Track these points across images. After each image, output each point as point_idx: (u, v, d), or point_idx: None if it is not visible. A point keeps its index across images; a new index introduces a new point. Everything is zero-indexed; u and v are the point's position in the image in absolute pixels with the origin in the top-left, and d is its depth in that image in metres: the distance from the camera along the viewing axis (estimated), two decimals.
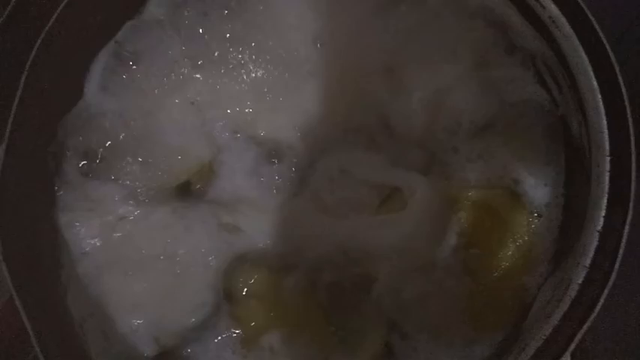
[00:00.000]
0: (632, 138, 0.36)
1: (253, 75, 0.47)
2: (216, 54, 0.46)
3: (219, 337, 0.43)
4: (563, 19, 0.39)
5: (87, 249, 0.42)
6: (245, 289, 0.44)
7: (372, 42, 0.47)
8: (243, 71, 0.47)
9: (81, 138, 0.43)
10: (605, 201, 0.36)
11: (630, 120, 0.36)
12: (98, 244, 0.42)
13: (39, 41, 0.41)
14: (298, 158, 0.46)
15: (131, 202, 0.44)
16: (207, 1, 0.46)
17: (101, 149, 0.44)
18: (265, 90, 0.47)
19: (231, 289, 0.44)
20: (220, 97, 0.46)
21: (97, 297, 0.42)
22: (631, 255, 0.35)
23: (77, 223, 0.42)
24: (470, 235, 0.44)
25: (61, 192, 0.43)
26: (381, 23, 0.47)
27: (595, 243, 0.35)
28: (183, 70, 0.46)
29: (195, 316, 0.42)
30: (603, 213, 0.35)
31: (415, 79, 0.46)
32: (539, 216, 0.43)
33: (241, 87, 0.47)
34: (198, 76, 0.46)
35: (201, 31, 0.46)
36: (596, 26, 0.38)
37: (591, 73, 0.38)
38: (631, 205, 0.35)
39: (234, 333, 0.43)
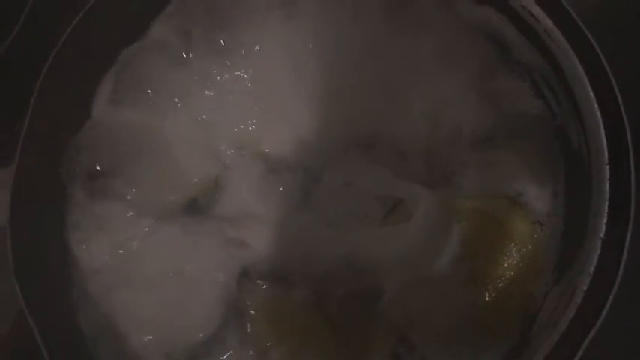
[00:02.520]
0: (630, 145, 0.37)
1: (257, 93, 0.48)
2: (220, 73, 0.47)
3: (229, 352, 0.43)
4: (557, 32, 0.40)
5: (97, 267, 0.43)
6: (253, 304, 0.44)
7: (372, 57, 0.48)
8: (247, 89, 0.48)
9: (89, 157, 0.44)
10: (606, 208, 0.36)
11: (628, 128, 0.37)
12: (108, 262, 0.43)
13: (47, 64, 0.42)
14: (303, 173, 0.47)
15: (139, 219, 0.44)
16: (211, 23, 0.47)
17: (109, 168, 0.45)
18: (269, 107, 0.48)
19: (239, 304, 0.44)
20: (225, 115, 0.47)
21: (108, 314, 0.42)
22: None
23: (87, 242, 0.43)
24: (474, 245, 0.44)
25: (71, 211, 0.44)
26: (381, 38, 0.48)
27: (598, 250, 0.36)
28: (188, 89, 0.47)
29: (204, 331, 0.43)
30: (605, 220, 0.36)
31: (415, 92, 0.47)
32: (542, 225, 0.44)
33: (246, 105, 0.48)
34: (203, 94, 0.47)
35: (205, 51, 0.47)
36: (590, 37, 0.39)
37: (587, 84, 0.39)
38: (632, 211, 0.36)
39: (244, 347, 0.43)
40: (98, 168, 0.44)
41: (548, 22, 0.41)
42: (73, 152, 0.44)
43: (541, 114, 0.46)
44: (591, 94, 0.39)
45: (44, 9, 0.51)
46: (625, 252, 0.35)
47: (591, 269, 0.35)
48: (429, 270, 0.44)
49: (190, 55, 0.47)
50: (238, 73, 0.48)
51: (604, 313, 0.34)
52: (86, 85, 0.46)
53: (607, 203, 0.36)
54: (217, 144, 0.47)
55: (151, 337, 0.42)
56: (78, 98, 0.45)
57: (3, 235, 0.38)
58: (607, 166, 0.37)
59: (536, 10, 0.41)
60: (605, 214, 0.36)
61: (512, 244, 0.44)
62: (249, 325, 0.44)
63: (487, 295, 0.43)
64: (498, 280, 0.43)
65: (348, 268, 0.44)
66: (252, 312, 0.44)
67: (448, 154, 0.47)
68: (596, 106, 0.39)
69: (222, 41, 0.48)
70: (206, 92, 0.47)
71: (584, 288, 0.35)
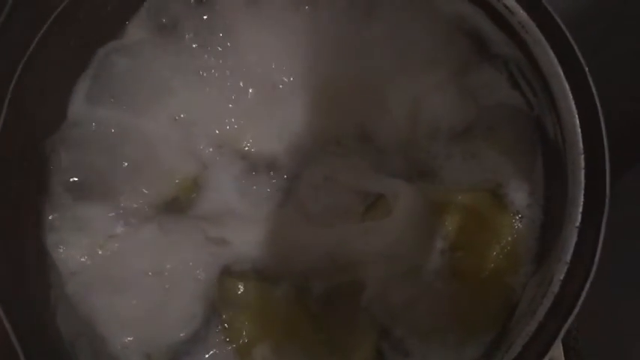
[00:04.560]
0: (605, 135, 0.37)
1: (236, 91, 0.48)
2: (198, 71, 0.47)
3: (211, 351, 0.43)
4: (532, 24, 0.41)
5: (75, 269, 0.43)
6: (234, 302, 0.44)
7: (349, 53, 0.48)
8: (225, 88, 0.48)
9: (66, 158, 0.44)
10: (582, 197, 0.37)
11: (602, 118, 0.38)
12: (87, 263, 0.43)
13: (21, 64, 0.41)
14: (283, 169, 0.47)
15: (118, 220, 0.44)
16: (188, 21, 0.47)
17: (86, 169, 0.44)
18: (248, 105, 0.48)
19: (220, 302, 0.44)
20: (203, 113, 0.47)
21: (86, 316, 0.42)
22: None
23: (65, 244, 0.43)
24: (455, 238, 0.44)
25: (48, 212, 0.43)
26: (358, 34, 0.48)
27: (574, 238, 0.36)
28: (165, 88, 0.46)
29: (185, 330, 0.42)
30: (581, 209, 0.36)
31: (393, 87, 0.48)
32: (522, 217, 0.44)
33: (224, 103, 0.47)
34: (180, 93, 0.47)
35: (182, 49, 0.47)
36: (564, 29, 0.39)
37: (562, 75, 0.39)
38: (607, 200, 0.36)
39: (226, 346, 0.43)
40: (75, 169, 0.44)
41: (523, 15, 0.41)
42: (50, 153, 0.44)
43: (518, 105, 0.46)
44: (566, 85, 0.39)
45: (22, 10, 0.51)
46: (601, 240, 0.35)
47: (568, 258, 0.36)
48: (411, 264, 0.44)
49: (167, 53, 0.47)
50: (216, 71, 0.48)
51: (581, 300, 0.34)
52: (62, 85, 0.45)
53: (582, 192, 0.36)
54: (196, 143, 0.47)
55: (131, 337, 0.42)
56: (54, 98, 0.45)
57: None
58: (582, 156, 0.37)
59: (511, 3, 0.41)
60: (581, 203, 0.36)
61: (493, 236, 0.44)
62: (231, 322, 0.43)
63: (469, 287, 0.44)
64: (480, 273, 0.44)
65: (330, 264, 0.44)
66: (234, 310, 0.44)
67: (427, 148, 0.47)
68: (571, 96, 0.39)
69: (200, 39, 0.47)
70: (184, 91, 0.47)
71: (561, 277, 0.35)
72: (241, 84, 0.48)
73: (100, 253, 0.43)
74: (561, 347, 0.56)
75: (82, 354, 0.41)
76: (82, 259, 0.43)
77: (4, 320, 0.36)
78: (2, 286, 0.37)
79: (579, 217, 0.36)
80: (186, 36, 0.47)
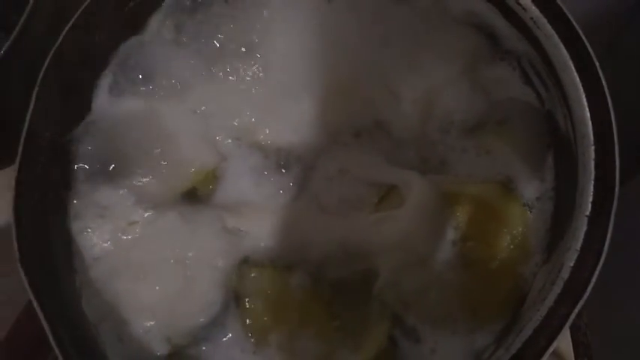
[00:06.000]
0: (614, 127, 0.38)
1: (253, 85, 0.49)
2: (217, 65, 0.48)
3: (228, 336, 0.44)
4: (544, 20, 0.41)
5: (99, 254, 0.44)
6: (251, 289, 0.45)
7: (363, 49, 0.49)
8: (243, 81, 0.49)
9: (90, 148, 0.45)
10: (591, 187, 0.37)
11: (612, 111, 0.38)
12: (110, 249, 0.44)
13: (47, 59, 0.43)
14: (298, 161, 0.48)
15: (139, 208, 0.45)
16: (208, 16, 0.49)
17: (110, 158, 0.46)
18: (265, 98, 0.49)
19: (238, 289, 0.45)
20: (222, 106, 0.48)
21: (110, 301, 0.43)
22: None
23: (89, 230, 0.44)
24: (466, 229, 0.45)
25: (73, 200, 0.45)
26: (374, 30, 0.49)
27: (584, 227, 0.37)
28: (185, 81, 0.48)
29: (204, 316, 0.44)
30: (591, 199, 0.37)
31: (407, 82, 0.49)
32: (532, 208, 0.45)
33: (242, 96, 0.49)
34: (200, 86, 0.48)
35: (201, 44, 0.48)
36: (575, 25, 0.40)
37: (573, 69, 0.40)
38: (616, 190, 0.37)
39: (243, 331, 0.44)
40: (99, 159, 0.45)
41: (535, 11, 0.42)
42: (74, 144, 0.45)
43: (530, 100, 0.47)
44: (577, 78, 0.40)
45: (44, 8, 0.52)
46: (610, 228, 0.36)
47: (578, 246, 0.36)
48: (423, 254, 0.45)
49: (187, 48, 0.48)
50: (235, 65, 0.49)
51: (590, 287, 0.35)
52: (87, 78, 0.47)
53: (592, 182, 0.37)
54: (215, 134, 0.48)
55: (152, 322, 0.43)
56: (78, 93, 0.47)
57: (9, 231, 0.39)
58: (592, 147, 0.38)
59: (523, 0, 0.42)
60: (591, 193, 0.37)
61: (504, 226, 0.45)
62: (248, 309, 0.45)
63: (479, 277, 0.45)
64: (490, 263, 0.45)
65: (344, 253, 0.45)
66: (251, 297, 0.45)
67: (440, 141, 0.48)
68: (582, 90, 0.40)
69: (220, 34, 0.49)
70: (204, 84, 0.48)
71: (571, 264, 0.36)
72: (259, 78, 0.49)
73: (122, 238, 0.44)
74: (570, 341, 0.57)
75: (107, 336, 0.42)
76: (105, 245, 0.44)
77: (34, 304, 0.37)
78: (31, 272, 0.38)
79: (589, 206, 0.37)
80: (207, 31, 0.49)
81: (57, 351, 0.36)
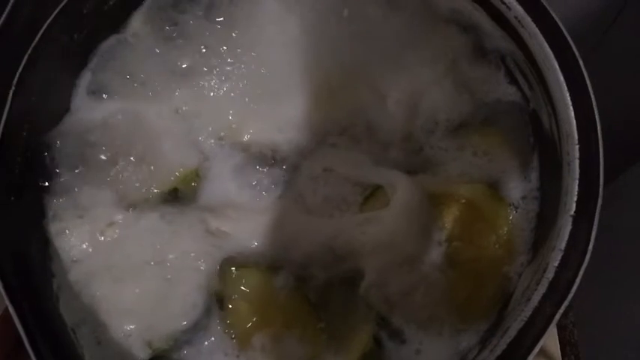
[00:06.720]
0: (599, 126, 0.38)
1: (237, 84, 0.48)
2: (199, 65, 0.48)
3: (211, 339, 0.43)
4: (528, 19, 0.41)
5: (77, 257, 0.43)
6: (235, 291, 0.44)
7: (349, 48, 0.49)
8: (226, 81, 0.48)
9: (70, 148, 0.44)
10: (576, 186, 0.37)
11: (596, 110, 0.38)
12: (89, 251, 0.43)
13: (25, 58, 0.42)
14: (282, 161, 0.48)
15: (120, 209, 0.44)
16: (190, 15, 0.48)
17: (89, 158, 0.45)
18: (248, 98, 0.48)
19: (221, 291, 0.44)
20: (205, 106, 0.48)
21: (88, 304, 0.42)
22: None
23: (67, 232, 0.43)
24: (452, 229, 0.45)
25: (51, 202, 0.44)
26: (358, 30, 0.49)
27: (569, 227, 0.37)
28: (167, 80, 0.47)
29: (186, 319, 0.43)
30: (575, 198, 0.37)
31: (392, 82, 0.48)
32: (518, 207, 0.45)
33: (225, 96, 0.48)
34: (182, 86, 0.47)
35: (183, 43, 0.48)
36: (560, 24, 0.40)
37: (557, 68, 0.40)
38: (601, 189, 0.37)
39: (226, 334, 0.44)
40: (78, 159, 0.44)
41: (519, 9, 0.42)
42: (53, 143, 0.44)
43: (515, 100, 0.47)
44: (561, 77, 0.40)
45: (25, 3, 0.51)
46: (594, 228, 0.36)
47: (562, 245, 0.36)
48: (408, 254, 0.44)
49: (169, 46, 0.47)
50: (218, 64, 0.48)
51: (575, 287, 0.35)
52: (65, 77, 0.46)
53: (577, 182, 0.37)
54: (198, 135, 0.48)
55: (132, 325, 0.42)
56: (57, 92, 0.46)
57: None
58: (577, 146, 0.38)
59: None
60: (576, 192, 0.37)
61: (489, 227, 0.45)
62: (231, 312, 0.44)
63: (465, 277, 0.44)
64: (476, 263, 0.44)
65: (329, 254, 0.44)
66: (235, 299, 0.44)
67: (425, 141, 0.48)
68: (566, 88, 0.40)
69: (202, 33, 0.48)
70: (186, 84, 0.48)
71: (556, 264, 0.36)
72: (242, 77, 0.48)
73: (101, 239, 0.43)
74: (558, 341, 0.57)
75: (85, 340, 0.41)
76: (84, 246, 0.43)
77: (9, 307, 0.36)
78: (7, 276, 0.37)
79: (574, 206, 0.37)
80: (189, 30, 0.48)
81: (32, 356, 0.35)
